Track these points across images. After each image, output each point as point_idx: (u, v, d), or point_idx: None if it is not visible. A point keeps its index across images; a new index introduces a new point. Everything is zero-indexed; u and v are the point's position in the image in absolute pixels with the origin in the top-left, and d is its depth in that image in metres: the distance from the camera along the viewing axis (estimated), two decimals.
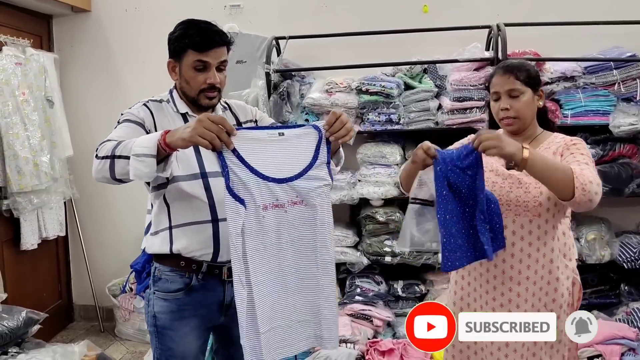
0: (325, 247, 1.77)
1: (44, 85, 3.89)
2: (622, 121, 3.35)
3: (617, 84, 3.46)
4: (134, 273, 4.04)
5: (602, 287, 3.66)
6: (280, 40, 3.80)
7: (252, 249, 1.69)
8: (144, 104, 1.94)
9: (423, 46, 3.77)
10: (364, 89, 3.54)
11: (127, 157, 1.63)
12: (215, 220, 1.91)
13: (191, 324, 1.94)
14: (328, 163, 1.77)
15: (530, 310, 1.94)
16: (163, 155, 1.64)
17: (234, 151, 1.66)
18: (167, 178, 1.86)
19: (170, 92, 2.00)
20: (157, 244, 1.95)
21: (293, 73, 3.79)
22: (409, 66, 3.64)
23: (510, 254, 1.95)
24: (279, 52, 3.79)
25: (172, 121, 1.93)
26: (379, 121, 3.54)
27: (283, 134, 1.73)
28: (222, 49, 1.91)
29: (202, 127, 1.57)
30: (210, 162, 1.90)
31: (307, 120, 3.59)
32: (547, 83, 3.50)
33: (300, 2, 4.02)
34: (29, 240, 3.82)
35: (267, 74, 3.60)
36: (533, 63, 3.31)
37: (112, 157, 1.66)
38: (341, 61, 3.66)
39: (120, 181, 1.71)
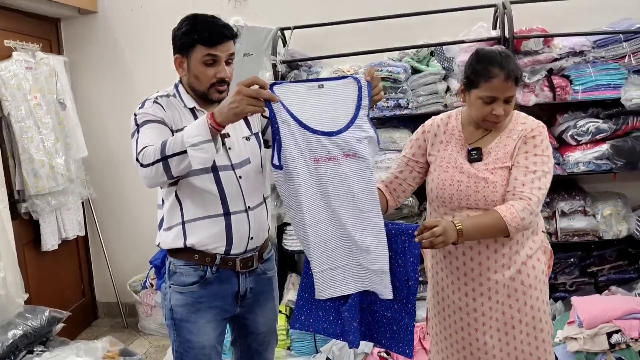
0: (377, 197, 1.86)
1: (55, 88, 3.93)
2: (633, 94, 3.30)
3: (627, 56, 3.41)
4: (153, 269, 4.10)
5: (620, 262, 3.64)
6: (285, 31, 3.79)
7: (309, 200, 1.79)
8: (154, 102, 1.94)
9: (429, 29, 3.74)
10: None
11: (181, 152, 1.68)
12: (227, 214, 1.93)
13: (208, 316, 1.97)
14: (368, 115, 1.83)
15: (512, 294, 1.97)
16: (215, 135, 1.71)
17: (283, 105, 1.75)
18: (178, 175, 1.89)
19: (176, 86, 2.01)
20: (170, 239, 1.98)
21: (300, 63, 3.79)
22: (415, 50, 3.61)
23: (485, 245, 1.96)
24: (285, 43, 3.79)
25: (182, 116, 1.95)
26: (388, 106, 3.53)
27: (322, 86, 1.80)
28: (230, 42, 1.94)
29: (244, 96, 1.65)
30: (220, 156, 1.91)
31: None
32: (556, 59, 3.47)
33: None
34: (49, 241, 3.88)
35: (274, 65, 3.60)
36: (540, 40, 3.37)
37: (164, 159, 1.71)
38: (347, 48, 3.66)
39: (178, 177, 1.80)
